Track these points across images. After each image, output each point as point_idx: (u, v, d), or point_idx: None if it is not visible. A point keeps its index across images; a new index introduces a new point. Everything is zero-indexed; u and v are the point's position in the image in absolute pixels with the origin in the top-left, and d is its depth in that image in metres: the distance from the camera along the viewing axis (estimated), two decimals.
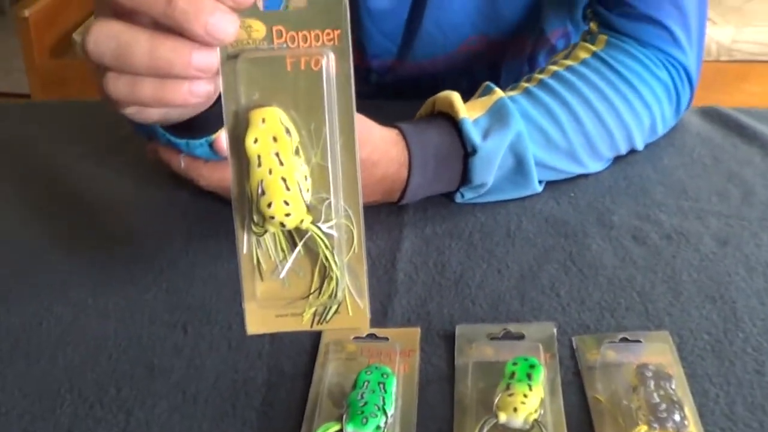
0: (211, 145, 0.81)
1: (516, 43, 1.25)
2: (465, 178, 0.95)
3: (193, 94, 0.61)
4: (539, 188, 0.99)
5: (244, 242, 0.63)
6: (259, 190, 0.60)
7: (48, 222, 0.99)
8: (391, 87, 1.26)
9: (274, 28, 0.59)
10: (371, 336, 0.77)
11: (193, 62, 0.59)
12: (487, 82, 1.00)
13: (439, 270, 0.88)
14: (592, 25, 1.09)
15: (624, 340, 0.76)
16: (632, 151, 1.07)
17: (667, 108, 1.07)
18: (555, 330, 0.78)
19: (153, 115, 0.69)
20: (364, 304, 0.64)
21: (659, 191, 1.01)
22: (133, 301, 0.84)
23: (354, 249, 0.63)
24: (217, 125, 0.77)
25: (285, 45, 0.59)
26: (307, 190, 0.61)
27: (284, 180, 0.59)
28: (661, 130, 1.09)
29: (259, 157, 0.59)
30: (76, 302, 0.84)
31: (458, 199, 0.98)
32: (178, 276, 0.87)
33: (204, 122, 0.76)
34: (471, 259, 0.89)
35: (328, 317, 0.65)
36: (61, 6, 2.81)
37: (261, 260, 0.63)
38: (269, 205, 0.60)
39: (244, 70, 0.60)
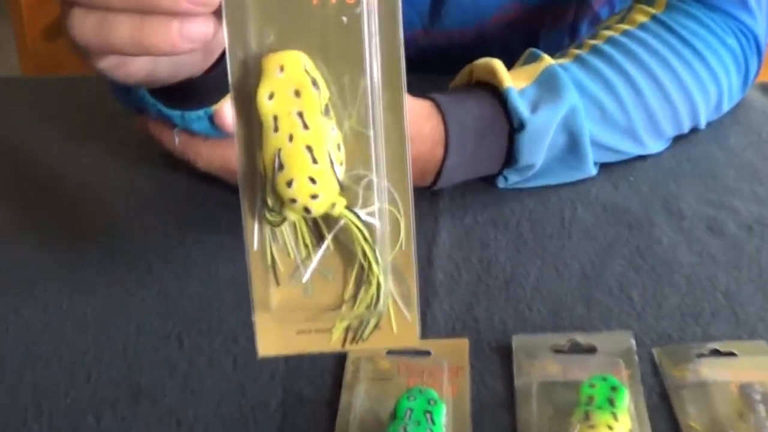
0: (211, 118, 0.71)
1: (556, 11, 1.15)
2: (510, 157, 0.84)
3: (185, 36, 0.48)
4: (594, 171, 0.88)
5: (255, 235, 0.50)
6: (276, 164, 0.46)
7: (17, 211, 0.89)
8: (414, 61, 1.13)
9: None
10: (409, 349, 0.66)
11: None
12: (532, 48, 0.90)
13: (485, 267, 0.77)
14: None
15: (715, 352, 0.66)
16: (693, 130, 0.96)
17: (735, 80, 0.97)
18: (633, 341, 0.67)
19: (135, 70, 0.56)
20: (412, 316, 0.51)
21: (730, 175, 0.91)
22: (117, 305, 0.74)
23: (401, 244, 0.50)
24: (220, 92, 0.65)
25: None
26: (341, 163, 0.47)
27: (310, 149, 0.46)
28: (726, 106, 0.99)
29: (275, 118, 0.46)
30: (48, 306, 0.74)
31: (501, 183, 0.87)
32: (171, 275, 0.77)
33: (203, 88, 0.66)
34: (521, 254, 0.78)
35: (365, 334, 0.52)
36: None
37: (277, 259, 0.50)
38: (289, 183, 0.46)
39: (254, 2, 0.46)
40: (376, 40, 0.47)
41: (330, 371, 0.66)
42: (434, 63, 1.07)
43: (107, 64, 0.54)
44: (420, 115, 0.80)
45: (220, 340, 0.69)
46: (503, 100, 0.82)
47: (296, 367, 0.66)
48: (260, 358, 0.53)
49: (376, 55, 0.47)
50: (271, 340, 0.52)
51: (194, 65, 0.60)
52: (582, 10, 1.17)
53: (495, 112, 0.82)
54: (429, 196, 0.85)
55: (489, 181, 0.87)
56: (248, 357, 0.67)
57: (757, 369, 0.64)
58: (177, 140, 0.76)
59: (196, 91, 0.67)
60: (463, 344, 0.67)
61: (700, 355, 0.65)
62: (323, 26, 0.46)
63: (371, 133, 0.48)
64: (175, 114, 0.72)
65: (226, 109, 0.66)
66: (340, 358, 0.66)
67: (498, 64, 0.84)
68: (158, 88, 0.69)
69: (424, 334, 0.67)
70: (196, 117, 0.72)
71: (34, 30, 2.62)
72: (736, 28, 0.94)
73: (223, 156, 0.76)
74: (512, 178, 0.86)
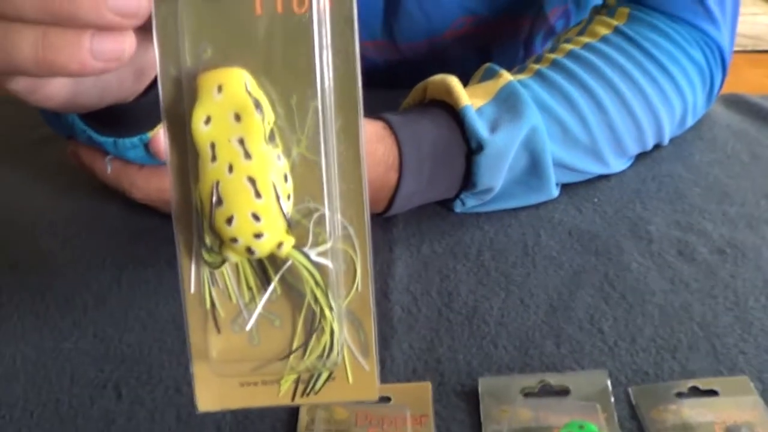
0: (147, 145, 0.66)
1: (510, 25, 1.11)
2: (467, 181, 0.79)
3: (97, 54, 0.43)
4: (556, 193, 0.84)
5: (192, 277, 0.45)
6: (214, 198, 0.41)
7: None
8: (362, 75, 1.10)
9: None
10: None
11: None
12: (489, 64, 0.85)
13: (446, 301, 0.71)
14: None
15: (694, 390, 0.61)
16: (656, 147, 0.93)
17: (700, 95, 0.94)
18: (608, 381, 0.62)
19: (53, 93, 0.50)
20: (370, 366, 0.46)
21: (697, 194, 0.87)
22: (48, 352, 0.68)
23: (357, 286, 0.45)
24: (157, 117, 0.59)
25: None
26: (288, 197, 0.42)
27: (252, 182, 0.41)
28: (690, 121, 0.96)
29: (213, 146, 0.41)
30: None
31: (458, 207, 0.82)
32: (107, 317, 0.71)
33: (137, 112, 0.62)
34: (484, 285, 0.73)
35: (318, 386, 0.47)
36: None
37: (217, 303, 0.46)
38: (229, 220, 0.41)
39: (189, 12, 0.41)
40: (328, 54, 0.42)
41: (282, 421, 0.60)
42: (384, 77, 1.04)
43: (19, 86, 0.48)
44: (371, 138, 0.76)
45: (161, 389, 0.64)
46: (460, 119, 0.77)
47: (245, 418, 0.60)
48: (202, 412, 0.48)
49: (329, 71, 0.42)
50: (212, 393, 0.47)
51: (124, 88, 0.55)
52: (537, 24, 1.13)
53: (452, 133, 0.78)
54: (382, 223, 0.81)
55: (445, 205, 0.83)
56: (193, 408, 0.60)
57: (741, 408, 0.59)
58: (109, 169, 0.71)
59: (129, 116, 0.62)
60: (425, 388, 0.62)
61: (680, 394, 0.61)
62: (268, 39, 0.41)
63: (323, 160, 0.43)
64: (107, 141, 0.67)
65: (163, 135, 0.62)
66: (293, 407, 0.61)
67: (454, 81, 0.79)
68: (90, 113, 0.63)
69: (383, 377, 0.63)
70: (130, 144, 0.67)
71: None
72: (701, 40, 0.91)
73: (160, 186, 0.71)
74: (470, 202, 0.81)
